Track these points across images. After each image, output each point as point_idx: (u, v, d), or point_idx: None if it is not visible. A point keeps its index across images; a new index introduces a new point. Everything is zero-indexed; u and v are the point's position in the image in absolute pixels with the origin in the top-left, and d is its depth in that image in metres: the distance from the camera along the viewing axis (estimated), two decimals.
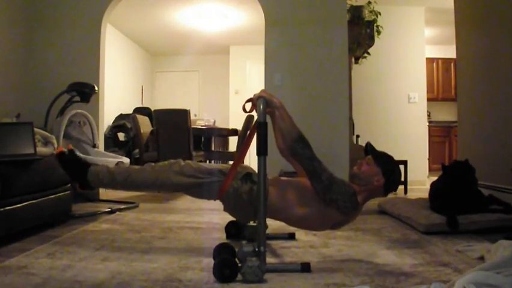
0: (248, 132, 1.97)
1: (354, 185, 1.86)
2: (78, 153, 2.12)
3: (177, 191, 1.99)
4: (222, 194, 1.89)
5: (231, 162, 2.13)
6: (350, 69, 4.42)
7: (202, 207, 3.67)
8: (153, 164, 2.02)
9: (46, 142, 2.73)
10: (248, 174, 1.91)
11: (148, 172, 1.96)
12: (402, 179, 4.68)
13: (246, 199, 1.85)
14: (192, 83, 8.79)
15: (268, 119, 1.80)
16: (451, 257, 1.92)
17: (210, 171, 1.92)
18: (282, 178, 2.05)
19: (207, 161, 5.33)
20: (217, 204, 3.50)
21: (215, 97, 8.52)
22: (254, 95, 1.83)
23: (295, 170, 2.07)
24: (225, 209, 1.98)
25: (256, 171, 1.71)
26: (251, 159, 6.02)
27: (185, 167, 1.92)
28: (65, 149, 2.07)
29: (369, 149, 1.92)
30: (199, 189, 1.92)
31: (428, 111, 6.12)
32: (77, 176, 2.03)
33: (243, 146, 1.94)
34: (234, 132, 5.55)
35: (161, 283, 1.54)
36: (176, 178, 1.90)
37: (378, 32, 4.74)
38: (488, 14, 3.43)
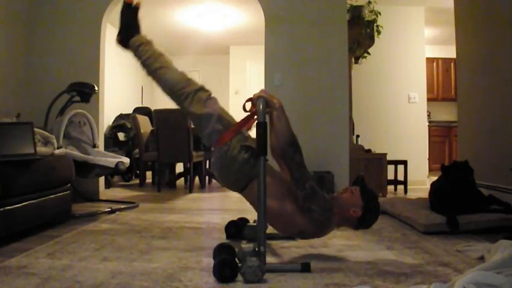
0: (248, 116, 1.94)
1: (334, 207, 1.83)
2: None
3: (187, 113, 1.98)
4: (219, 144, 1.88)
5: None
6: (350, 69, 4.42)
7: (202, 207, 3.67)
8: (189, 76, 2.01)
9: (46, 142, 2.73)
10: (250, 148, 1.87)
11: (180, 77, 1.97)
12: (403, 178, 4.70)
13: (237, 166, 1.85)
14: None
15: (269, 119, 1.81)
16: (451, 257, 1.92)
17: (225, 121, 1.92)
18: (274, 169, 2.00)
19: (207, 161, 5.33)
20: (217, 204, 3.50)
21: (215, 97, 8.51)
22: (254, 94, 1.83)
23: (282, 172, 2.05)
24: (213, 164, 1.97)
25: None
26: None
27: (209, 101, 1.93)
28: (133, 3, 2.13)
29: (359, 180, 1.90)
30: (206, 127, 1.91)
31: (428, 111, 6.12)
32: (124, 32, 2.11)
33: (249, 117, 1.92)
34: None
35: (161, 283, 1.54)
36: (196, 103, 1.91)
37: (378, 32, 4.74)
38: (488, 14, 3.43)
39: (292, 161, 1.77)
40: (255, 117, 1.80)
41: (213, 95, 1.99)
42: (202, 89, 1.97)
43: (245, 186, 1.88)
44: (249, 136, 1.97)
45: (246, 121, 1.92)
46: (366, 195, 1.85)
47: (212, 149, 1.99)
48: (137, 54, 2.08)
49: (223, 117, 1.93)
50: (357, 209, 1.82)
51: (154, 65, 2.00)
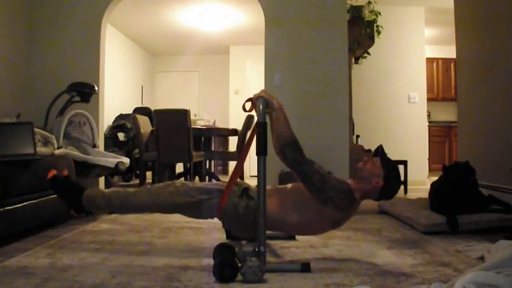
0: (246, 143, 1.94)
1: (350, 181, 1.86)
2: (71, 177, 2.08)
3: (175, 211, 1.96)
4: (220, 212, 1.87)
5: (231, 163, 2.11)
6: (350, 69, 4.42)
7: None
8: (149, 186, 2.01)
9: (46, 142, 2.73)
10: (245, 190, 1.90)
11: (144, 195, 1.95)
12: (402, 179, 4.68)
13: (244, 214, 1.83)
14: (191, 83, 8.78)
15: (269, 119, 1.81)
16: (451, 257, 1.92)
17: (207, 190, 1.91)
18: (278, 187, 2.05)
19: (207, 161, 5.34)
20: None
21: (215, 97, 8.51)
22: (254, 94, 1.84)
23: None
24: (224, 226, 2.01)
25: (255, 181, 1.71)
26: (251, 159, 6.02)
27: (181, 187, 1.91)
28: (58, 173, 2.02)
29: (380, 151, 1.92)
30: (196, 208, 1.90)
31: (428, 111, 6.12)
32: (71, 201, 1.98)
33: (239, 160, 1.91)
34: (234, 132, 5.55)
35: (161, 283, 1.54)
36: (173, 199, 1.88)
37: (378, 32, 4.74)
38: (488, 14, 3.43)
39: (291, 161, 1.78)
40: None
41: (180, 182, 1.97)
42: (168, 185, 1.95)
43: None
44: (239, 182, 1.97)
45: (232, 181, 1.88)
46: (387, 164, 1.86)
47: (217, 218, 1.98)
48: (98, 209, 2.04)
49: (203, 189, 1.92)
50: (379, 179, 1.83)
51: (116, 205, 1.96)
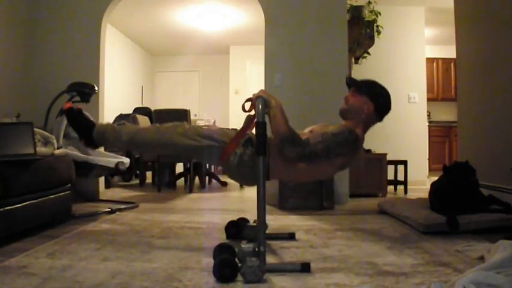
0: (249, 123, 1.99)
1: (348, 122, 1.91)
2: (87, 113, 2.19)
3: (178, 152, 2.04)
4: (223, 159, 1.92)
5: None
6: (350, 69, 4.41)
7: (202, 207, 3.67)
8: (158, 125, 2.06)
9: (46, 142, 2.73)
10: (249, 139, 1.95)
11: (152, 133, 2.01)
12: (403, 179, 4.69)
13: (249, 163, 1.89)
14: (192, 83, 8.79)
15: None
16: (451, 257, 1.92)
17: (213, 136, 1.96)
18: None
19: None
20: (217, 204, 3.51)
21: (215, 97, 8.52)
22: (253, 94, 1.85)
23: None
24: (228, 175, 2.04)
25: None
26: None
27: (189, 130, 1.96)
28: (74, 106, 2.14)
29: (350, 82, 1.95)
30: (200, 153, 1.96)
31: (428, 111, 6.12)
32: (83, 132, 2.08)
33: (250, 120, 1.94)
34: (233, 132, 5.54)
35: (161, 283, 1.54)
36: (180, 140, 1.93)
37: (378, 32, 4.74)
38: (488, 14, 3.43)
39: (291, 154, 1.83)
40: (254, 120, 1.84)
41: (189, 124, 2.06)
42: (177, 125, 1.99)
43: (268, 173, 1.92)
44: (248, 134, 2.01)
45: (244, 131, 1.94)
46: (364, 88, 1.90)
47: (221, 165, 2.03)
48: (107, 143, 2.13)
49: (210, 135, 1.97)
50: (367, 104, 1.87)
51: (125, 140, 2.03)
